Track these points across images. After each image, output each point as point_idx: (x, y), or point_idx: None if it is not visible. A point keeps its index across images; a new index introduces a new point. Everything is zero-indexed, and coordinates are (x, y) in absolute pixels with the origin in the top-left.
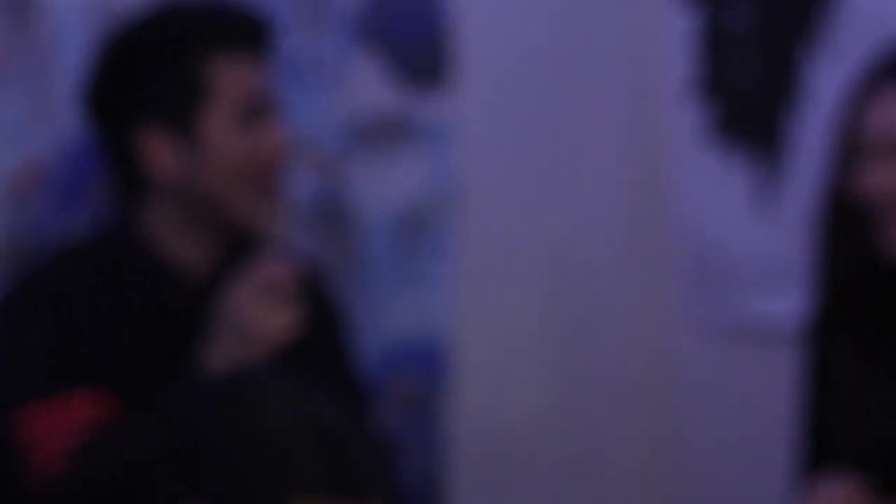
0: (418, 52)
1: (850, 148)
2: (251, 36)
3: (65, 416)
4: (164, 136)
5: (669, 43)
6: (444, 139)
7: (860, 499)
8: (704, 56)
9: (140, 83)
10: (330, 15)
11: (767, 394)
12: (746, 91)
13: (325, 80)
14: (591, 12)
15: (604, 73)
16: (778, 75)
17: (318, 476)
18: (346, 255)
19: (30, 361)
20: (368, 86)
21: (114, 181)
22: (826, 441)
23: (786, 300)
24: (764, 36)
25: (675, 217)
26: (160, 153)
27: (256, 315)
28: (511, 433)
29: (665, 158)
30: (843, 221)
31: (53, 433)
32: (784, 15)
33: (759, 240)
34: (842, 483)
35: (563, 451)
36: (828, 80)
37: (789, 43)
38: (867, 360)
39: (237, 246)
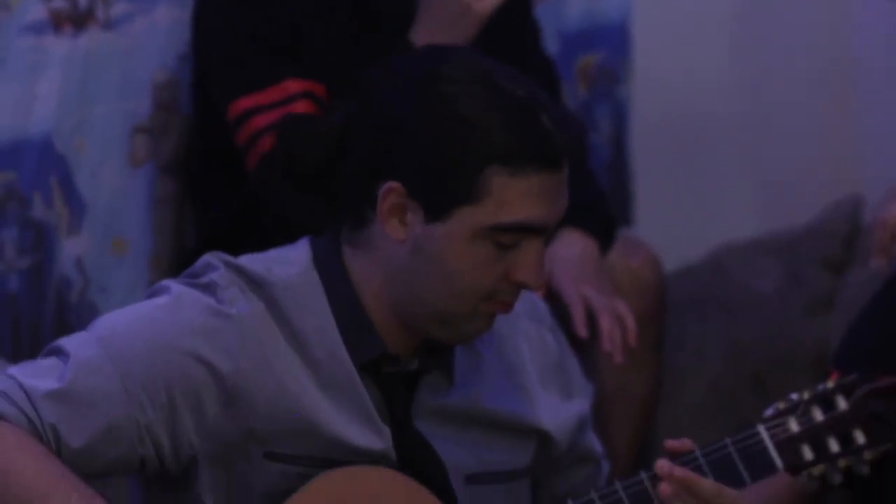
0: None
1: None
2: None
3: (277, 102)
4: None
5: None
6: None
7: None
8: None
9: None
10: None
11: None
12: None
13: None
14: None
15: None
16: None
17: (511, 148)
18: None
19: (242, 48)
20: None
21: None
22: None
23: None
24: None
25: None
26: None
27: None
28: (688, 98)
29: None
30: None
31: (266, 116)
32: None
33: None
34: None
35: (739, 110)
36: None
37: None
38: None
39: None
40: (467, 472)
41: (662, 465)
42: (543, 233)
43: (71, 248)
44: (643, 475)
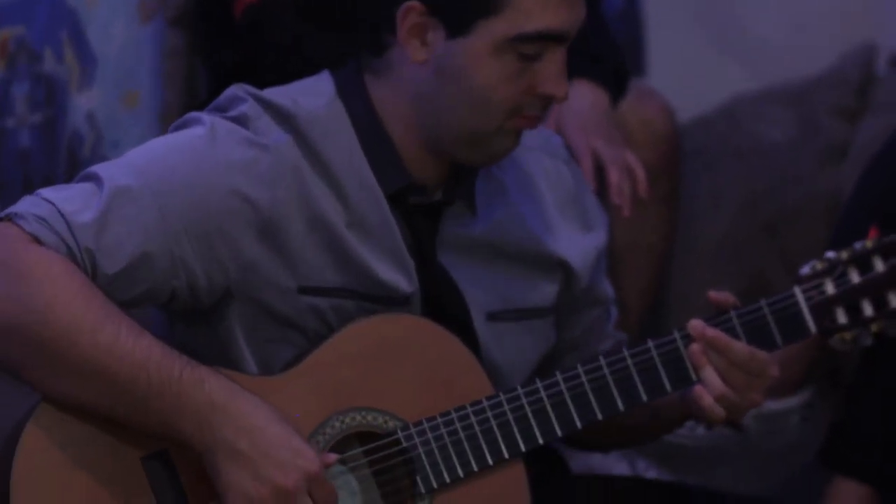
0: None
1: None
2: None
3: None
4: None
5: None
6: None
7: None
8: None
9: None
10: None
11: None
12: None
13: None
14: None
15: None
16: None
17: None
18: None
19: None
20: None
21: None
22: None
23: None
24: None
25: None
26: None
27: None
28: None
29: None
30: None
31: None
32: None
33: None
34: None
35: None
36: None
37: None
38: None
39: None
40: (489, 310)
41: (695, 325)
42: (565, 41)
43: (82, 103)
44: (676, 335)
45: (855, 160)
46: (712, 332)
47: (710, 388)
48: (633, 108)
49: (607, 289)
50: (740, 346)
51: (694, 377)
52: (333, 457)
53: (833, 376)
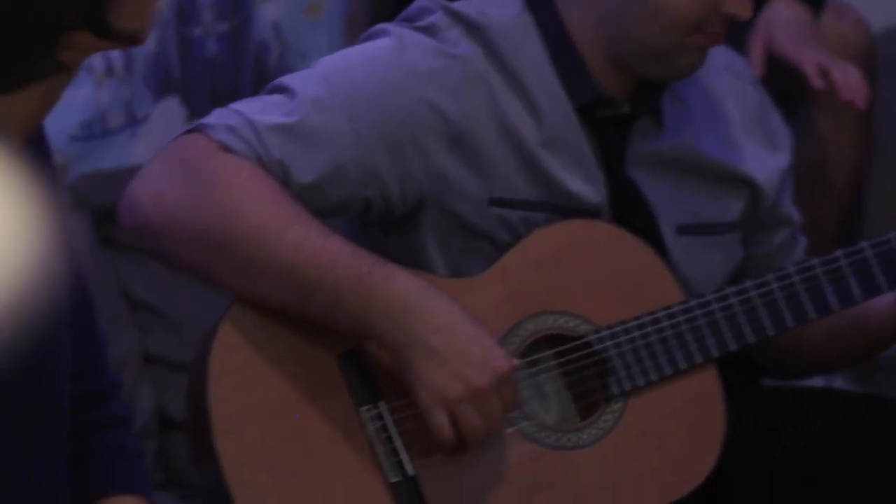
0: None
1: None
2: None
3: None
4: None
5: None
6: None
7: None
8: None
9: None
10: None
11: None
12: None
13: None
14: None
15: None
16: None
17: None
18: None
19: None
20: None
21: None
22: None
23: None
24: None
25: None
26: None
27: None
28: None
29: None
30: None
31: None
32: None
33: None
34: None
35: None
36: None
37: None
38: None
39: None
40: (678, 223)
41: None
42: None
43: (267, 12)
44: (892, 235)
45: None
46: None
47: None
48: (829, 22)
49: (793, 212)
50: None
51: None
52: (519, 361)
53: None
